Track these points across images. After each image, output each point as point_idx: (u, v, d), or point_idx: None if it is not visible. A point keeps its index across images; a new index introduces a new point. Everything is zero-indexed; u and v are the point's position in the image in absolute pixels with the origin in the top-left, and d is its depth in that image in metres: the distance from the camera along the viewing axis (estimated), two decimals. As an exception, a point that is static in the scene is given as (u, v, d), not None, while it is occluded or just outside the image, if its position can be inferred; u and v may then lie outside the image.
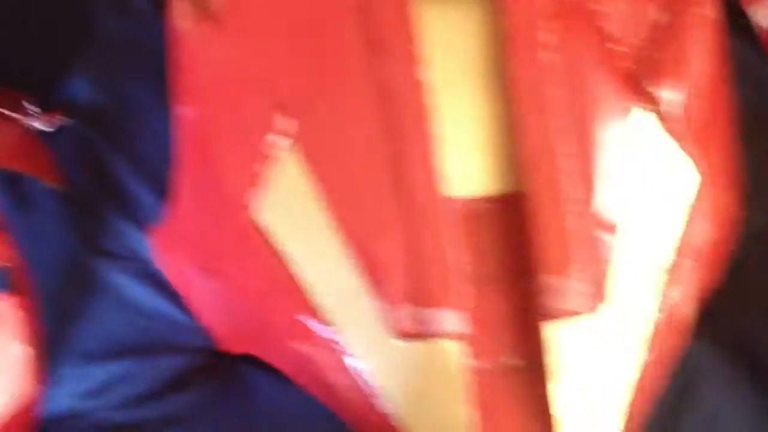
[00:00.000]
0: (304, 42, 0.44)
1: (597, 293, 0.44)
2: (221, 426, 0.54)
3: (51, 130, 0.56)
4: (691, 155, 0.47)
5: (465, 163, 0.44)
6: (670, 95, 0.46)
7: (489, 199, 0.44)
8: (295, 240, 0.45)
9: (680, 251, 0.48)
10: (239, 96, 0.45)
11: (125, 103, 0.52)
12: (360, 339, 0.45)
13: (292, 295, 0.45)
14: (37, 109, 0.55)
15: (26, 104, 0.55)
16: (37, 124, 0.55)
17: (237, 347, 0.54)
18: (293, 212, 0.44)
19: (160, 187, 0.52)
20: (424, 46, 0.43)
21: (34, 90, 0.56)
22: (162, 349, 0.54)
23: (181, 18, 0.47)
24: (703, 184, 0.48)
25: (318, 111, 0.43)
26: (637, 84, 0.45)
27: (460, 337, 0.44)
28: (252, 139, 0.45)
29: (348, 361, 0.46)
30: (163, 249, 0.52)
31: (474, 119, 0.44)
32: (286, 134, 0.44)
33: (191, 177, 0.49)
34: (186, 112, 0.48)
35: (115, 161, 0.55)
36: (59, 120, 0.56)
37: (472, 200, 0.44)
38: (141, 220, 0.55)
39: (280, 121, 0.44)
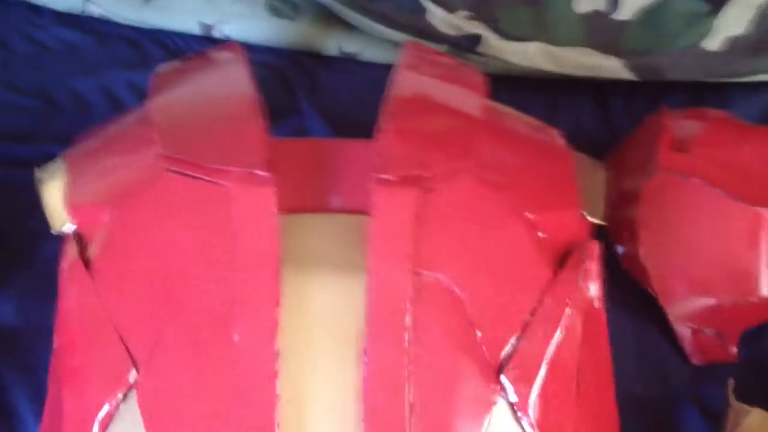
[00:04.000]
0: (163, 298, 0.41)
1: None
2: None
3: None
4: None
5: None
6: (524, 389, 0.41)
7: None
8: None
9: None
10: (92, 344, 0.42)
11: (42, 330, 0.48)
12: None
13: None
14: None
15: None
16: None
17: None
18: None
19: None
20: (285, 315, 0.40)
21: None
22: None
23: (67, 256, 0.44)
24: None
25: (160, 364, 0.41)
26: (498, 376, 0.41)
27: None
28: (97, 387, 0.42)
29: None
30: None
31: (328, 390, 0.41)
32: (129, 385, 0.41)
33: (47, 411, 0.46)
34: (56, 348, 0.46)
35: (12, 384, 0.53)
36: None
37: None
38: None
39: (130, 373, 0.41)
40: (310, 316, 0.41)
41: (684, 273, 0.51)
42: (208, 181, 0.42)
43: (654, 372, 0.53)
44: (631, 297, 0.54)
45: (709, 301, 0.51)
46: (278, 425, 0.39)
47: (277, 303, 0.40)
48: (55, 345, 0.45)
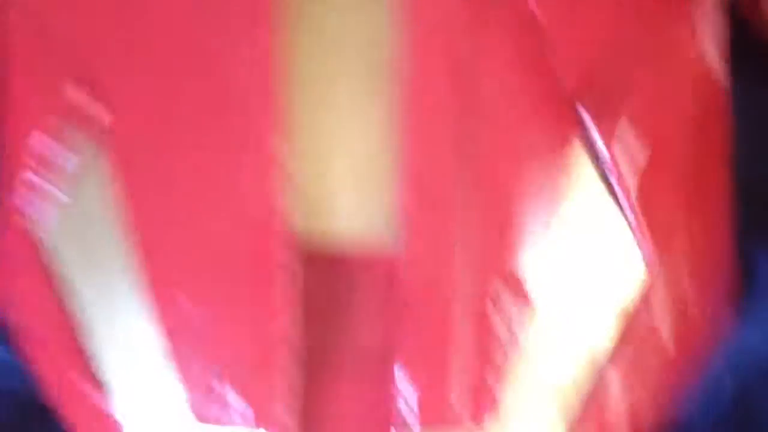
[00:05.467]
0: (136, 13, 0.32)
1: (482, 404, 0.31)
2: None
3: None
4: (639, 233, 0.33)
5: (324, 198, 0.31)
6: (620, 143, 0.32)
7: (348, 252, 0.31)
8: (82, 270, 0.33)
9: (608, 359, 0.33)
10: (35, 60, 0.34)
11: None
12: (143, 416, 0.33)
13: (65, 340, 0.33)
14: None
15: None
16: None
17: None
18: (87, 233, 0.32)
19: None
20: (296, 35, 0.31)
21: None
22: None
23: None
24: (650, 276, 0.33)
25: (141, 106, 0.32)
26: (580, 117, 0.32)
27: None
28: (40, 118, 0.33)
29: None
30: None
31: (345, 143, 0.31)
32: (94, 124, 0.32)
33: None
34: None
35: None
36: None
37: (325, 250, 0.31)
38: None
39: (83, 100, 0.32)
40: (327, 37, 0.32)
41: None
42: None
43: None
44: (748, 63, 0.42)
45: None
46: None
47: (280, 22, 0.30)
48: None
